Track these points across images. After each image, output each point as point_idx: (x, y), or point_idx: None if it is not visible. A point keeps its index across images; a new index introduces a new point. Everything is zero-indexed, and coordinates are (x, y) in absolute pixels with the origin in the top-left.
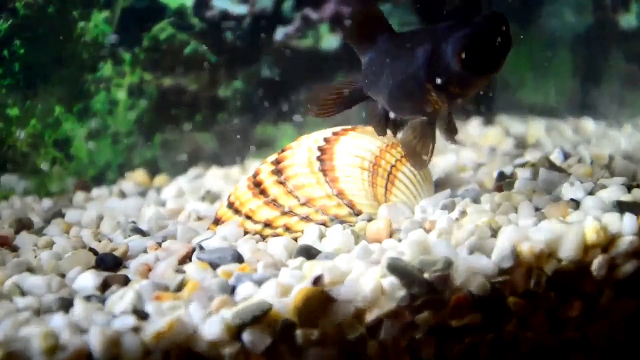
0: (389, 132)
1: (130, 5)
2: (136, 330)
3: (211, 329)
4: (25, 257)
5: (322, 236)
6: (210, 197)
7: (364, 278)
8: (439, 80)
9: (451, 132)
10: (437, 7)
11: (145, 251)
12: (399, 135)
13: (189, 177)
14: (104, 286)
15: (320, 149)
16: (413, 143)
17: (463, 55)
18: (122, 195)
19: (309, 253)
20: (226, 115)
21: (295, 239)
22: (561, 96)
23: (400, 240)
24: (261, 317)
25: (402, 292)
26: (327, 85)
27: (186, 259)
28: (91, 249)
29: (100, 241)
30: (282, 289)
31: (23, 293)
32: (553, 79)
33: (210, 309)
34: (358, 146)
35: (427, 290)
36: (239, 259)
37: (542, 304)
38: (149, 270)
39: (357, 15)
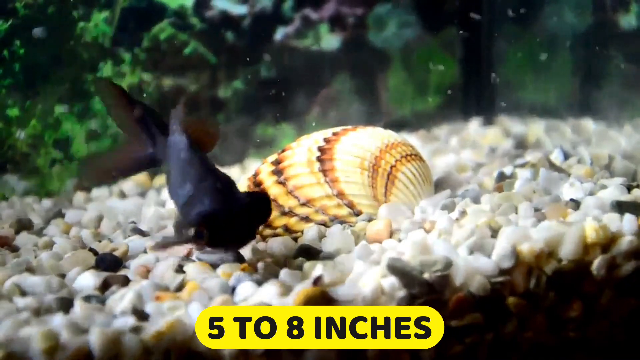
0: (389, 132)
1: (130, 5)
2: (136, 330)
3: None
4: (25, 257)
5: (322, 236)
6: None
7: (364, 278)
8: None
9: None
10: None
11: (145, 251)
12: None
13: None
14: (104, 286)
15: (320, 149)
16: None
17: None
18: (122, 195)
19: (309, 253)
20: (226, 115)
21: (295, 239)
22: (561, 96)
23: (400, 241)
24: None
25: (402, 293)
26: (102, 154)
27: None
28: (91, 249)
29: (100, 241)
30: (282, 289)
31: (23, 293)
32: (553, 79)
33: None
34: (358, 146)
35: (427, 290)
36: (239, 259)
37: (542, 304)
38: (149, 270)
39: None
